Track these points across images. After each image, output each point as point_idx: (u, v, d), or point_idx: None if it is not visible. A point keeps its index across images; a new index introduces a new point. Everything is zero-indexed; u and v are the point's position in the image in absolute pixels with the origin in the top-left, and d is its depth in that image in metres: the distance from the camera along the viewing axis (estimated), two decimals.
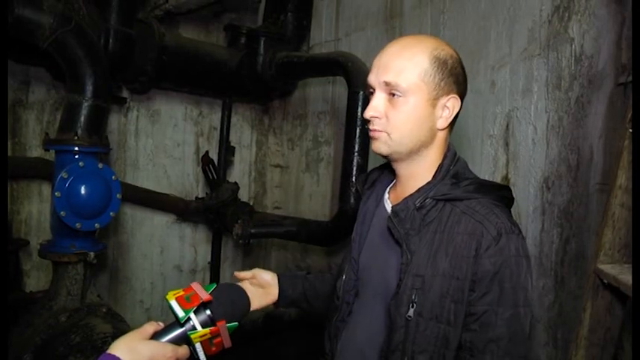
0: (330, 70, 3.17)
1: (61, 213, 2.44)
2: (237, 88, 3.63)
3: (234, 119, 3.87)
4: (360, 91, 2.85)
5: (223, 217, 3.52)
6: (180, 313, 1.05)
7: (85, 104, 2.63)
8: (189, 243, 3.77)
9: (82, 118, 2.62)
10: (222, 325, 1.07)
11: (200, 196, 3.71)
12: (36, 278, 3.11)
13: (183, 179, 3.73)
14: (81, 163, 2.53)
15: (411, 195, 1.25)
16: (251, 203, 3.89)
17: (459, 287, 1.14)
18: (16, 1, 2.40)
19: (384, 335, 1.22)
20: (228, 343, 1.09)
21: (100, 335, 2.31)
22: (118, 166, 3.41)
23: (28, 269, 3.11)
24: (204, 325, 1.06)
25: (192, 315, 1.06)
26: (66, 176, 2.47)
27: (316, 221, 3.38)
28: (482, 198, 1.22)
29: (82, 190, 2.50)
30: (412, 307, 1.16)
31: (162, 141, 3.63)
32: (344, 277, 1.37)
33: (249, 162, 4.08)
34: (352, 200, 2.95)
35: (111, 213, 2.61)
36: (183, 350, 1.07)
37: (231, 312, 1.13)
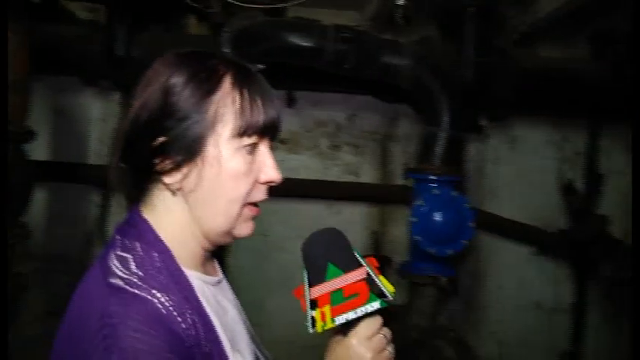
0: None
1: (416, 237, 2.61)
2: (606, 105, 3.19)
3: (603, 142, 3.42)
4: None
5: (589, 254, 3.14)
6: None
7: (441, 135, 2.77)
8: (549, 279, 3.48)
9: (439, 148, 2.77)
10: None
11: (563, 229, 3.39)
12: (397, 293, 3.38)
13: (544, 209, 3.48)
14: (436, 191, 2.65)
15: None
16: (625, 241, 3.33)
17: None
18: (382, 51, 2.73)
19: None
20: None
21: None
22: (475, 193, 3.44)
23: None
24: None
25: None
26: (422, 203, 2.63)
27: None
28: None
29: (436, 217, 2.61)
30: None
31: (522, 168, 3.49)
32: None
33: (623, 192, 3.51)
34: None
35: (463, 241, 2.65)
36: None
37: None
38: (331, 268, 0.85)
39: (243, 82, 0.88)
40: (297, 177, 3.86)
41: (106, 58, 2.88)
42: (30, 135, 2.27)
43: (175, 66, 0.86)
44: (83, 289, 0.82)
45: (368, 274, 0.87)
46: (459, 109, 2.83)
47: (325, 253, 0.87)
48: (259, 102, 0.88)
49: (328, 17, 3.04)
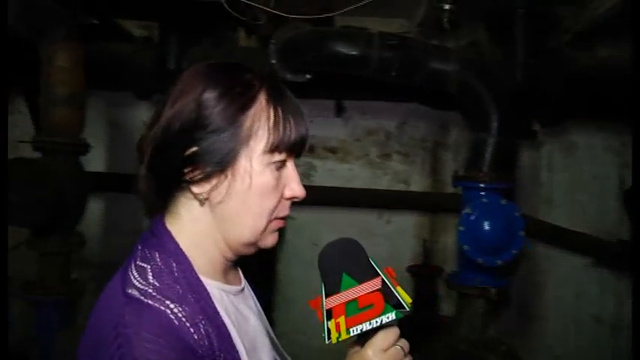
0: None
1: (464, 247, 2.54)
2: None
3: None
4: None
5: None
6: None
7: (490, 141, 2.69)
8: (610, 291, 3.30)
9: (488, 155, 2.69)
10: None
11: (622, 239, 3.21)
12: (449, 304, 3.31)
13: (603, 217, 3.31)
14: (484, 199, 2.58)
15: None
16: None
17: None
18: (429, 57, 2.69)
19: None
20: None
21: None
22: (530, 201, 3.32)
23: (443, 294, 3.34)
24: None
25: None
26: (469, 212, 2.56)
27: None
28: None
29: (485, 226, 2.53)
30: None
31: (579, 175, 3.34)
32: None
33: None
34: None
35: (513, 250, 2.55)
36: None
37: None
38: (346, 278, 0.84)
39: (277, 99, 0.89)
40: (347, 186, 3.87)
41: (158, 72, 2.99)
42: (85, 147, 2.38)
43: (210, 78, 0.87)
44: (104, 296, 0.85)
45: (384, 284, 0.85)
46: (509, 114, 2.74)
47: (340, 263, 0.86)
48: (292, 119, 0.89)
49: (377, 25, 3.03)
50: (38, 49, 2.32)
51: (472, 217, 2.55)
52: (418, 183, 3.87)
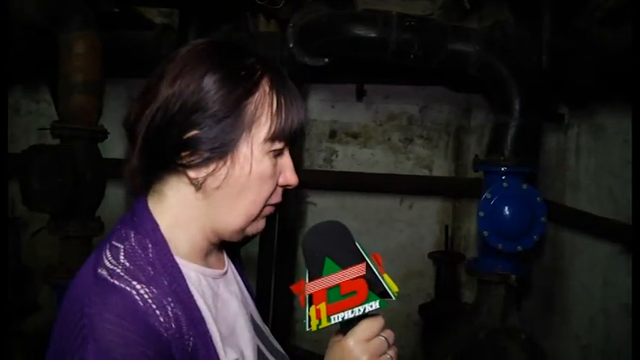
0: None
1: (484, 232, 2.49)
2: None
3: None
4: None
5: None
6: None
7: (512, 124, 2.62)
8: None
9: (509, 139, 2.62)
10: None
11: None
12: (471, 291, 3.26)
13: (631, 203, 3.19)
14: (505, 184, 2.52)
15: None
16: None
17: None
18: (448, 38, 2.62)
19: None
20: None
21: None
22: (556, 186, 3.22)
23: (465, 281, 3.29)
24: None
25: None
26: (489, 196, 2.51)
27: None
28: None
29: (504, 211, 2.48)
30: None
31: (608, 159, 3.20)
32: None
33: None
34: None
35: (534, 236, 2.49)
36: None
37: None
38: (328, 262, 0.81)
39: (280, 85, 0.87)
40: (369, 171, 3.83)
41: None
42: (103, 134, 2.42)
43: (212, 59, 0.84)
44: (78, 276, 0.83)
45: (369, 271, 0.81)
46: (533, 96, 2.66)
47: (324, 247, 0.83)
48: (293, 107, 0.87)
49: (399, 8, 2.96)
50: (57, 38, 2.35)
51: (492, 202, 2.50)
52: (441, 168, 3.81)
